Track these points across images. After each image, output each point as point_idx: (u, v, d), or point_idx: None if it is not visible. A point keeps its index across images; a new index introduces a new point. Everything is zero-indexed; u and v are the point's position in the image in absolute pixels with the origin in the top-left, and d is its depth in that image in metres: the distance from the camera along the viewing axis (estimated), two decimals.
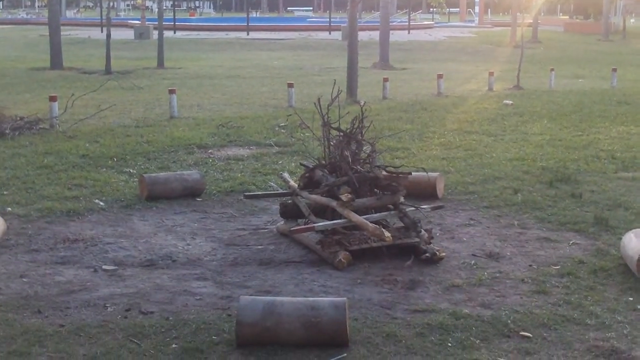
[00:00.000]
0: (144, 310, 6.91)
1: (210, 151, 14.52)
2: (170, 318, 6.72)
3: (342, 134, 8.77)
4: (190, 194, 11.02)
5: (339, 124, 8.87)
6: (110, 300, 7.16)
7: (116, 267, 8.09)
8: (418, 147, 14.94)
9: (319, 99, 8.84)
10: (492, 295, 7.33)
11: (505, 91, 24.67)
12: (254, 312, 6.09)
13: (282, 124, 17.22)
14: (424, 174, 10.54)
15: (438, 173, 11.27)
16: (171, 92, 18.71)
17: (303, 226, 8.29)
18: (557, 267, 8.10)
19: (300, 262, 8.31)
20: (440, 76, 24.24)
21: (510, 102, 21.69)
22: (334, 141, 8.84)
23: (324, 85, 26.21)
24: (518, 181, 12.02)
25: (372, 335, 6.34)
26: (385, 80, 22.86)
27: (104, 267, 8.08)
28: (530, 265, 8.18)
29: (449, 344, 6.20)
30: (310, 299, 6.29)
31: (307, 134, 15.97)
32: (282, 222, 9.36)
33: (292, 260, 8.36)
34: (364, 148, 8.90)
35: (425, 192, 10.59)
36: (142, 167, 13.04)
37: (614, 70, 27.12)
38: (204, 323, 6.59)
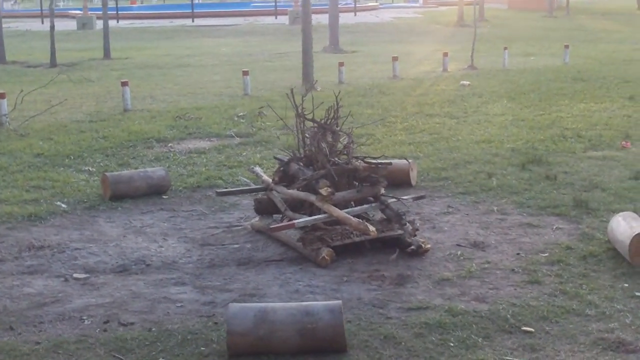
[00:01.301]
0: (124, 321, 6.52)
1: (170, 145, 14.06)
2: (153, 329, 6.34)
3: (317, 125, 8.42)
4: (155, 191, 10.60)
5: (313, 114, 8.52)
6: (86, 312, 6.75)
7: (88, 275, 7.67)
8: (382, 132, 14.66)
9: (292, 90, 8.46)
10: (485, 287, 7.08)
11: (460, 72, 24.52)
12: (245, 321, 5.75)
13: (241, 114, 16.83)
14: (396, 161, 10.28)
15: (411, 160, 10.99)
16: (124, 84, 18.14)
17: (283, 223, 7.94)
18: (546, 255, 7.89)
19: (281, 261, 7.97)
20: (395, 59, 23.98)
21: (467, 82, 21.53)
22: (309, 133, 8.49)
23: (276, 72, 25.83)
24: (490, 164, 11.81)
25: (369, 339, 6.04)
26: (341, 64, 22.52)
27: (74, 275, 7.65)
28: (517, 254, 7.96)
29: (451, 344, 5.93)
30: (304, 303, 5.96)
31: (268, 123, 15.63)
32: (257, 219, 9.01)
33: (272, 259, 8.03)
34: (341, 139, 8.57)
35: (398, 180, 10.29)
36: (102, 164, 12.56)
37: (566, 47, 27.14)
38: (189, 333, 6.23)
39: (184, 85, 22.66)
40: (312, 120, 8.39)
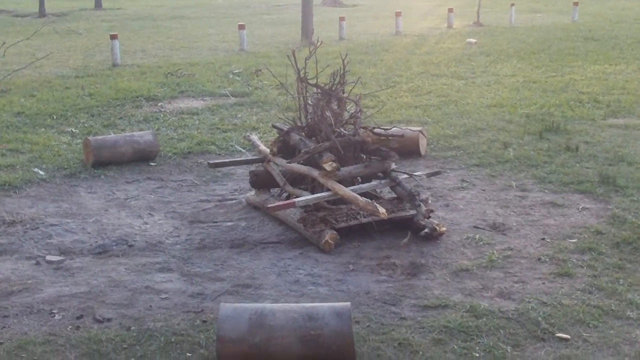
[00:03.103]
0: (100, 317, 5.69)
1: (160, 104, 13.18)
2: (133, 328, 5.51)
3: (320, 91, 7.53)
4: (142, 157, 9.75)
5: (317, 78, 7.62)
6: (58, 304, 5.91)
7: (62, 258, 6.83)
8: (386, 94, 13.77)
9: (293, 52, 7.54)
10: (510, 281, 6.25)
11: (466, 28, 23.59)
12: (239, 325, 4.92)
13: (236, 70, 15.91)
14: (406, 128, 9.45)
15: (420, 128, 10.12)
16: (113, 37, 17.21)
17: (282, 202, 7.08)
18: (574, 241, 7.05)
19: (279, 243, 7.14)
20: (398, 14, 22.98)
21: (474, 40, 20.60)
22: (312, 100, 7.60)
23: (274, 26, 24.88)
24: (504, 132, 10.96)
25: (381, 345, 5.22)
26: (342, 19, 21.53)
27: (47, 257, 6.81)
28: (542, 239, 7.12)
29: (476, 354, 5.11)
30: (307, 305, 5.11)
31: (265, 82, 14.72)
32: (252, 193, 8.17)
33: (269, 241, 7.19)
34: (348, 107, 7.69)
35: (406, 150, 9.40)
36: (86, 125, 11.69)
37: (576, 4, 26.13)
38: (174, 334, 5.40)
39: (176, 38, 21.71)
40: (316, 85, 7.50)
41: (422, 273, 6.43)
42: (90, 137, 9.69)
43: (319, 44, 7.28)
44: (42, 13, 27.03)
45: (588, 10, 28.97)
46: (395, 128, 7.49)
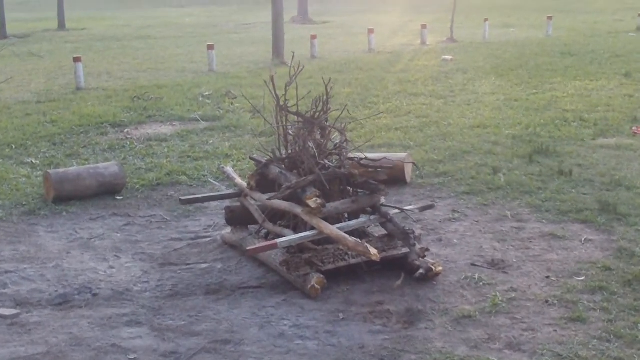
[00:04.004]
0: None
1: (127, 130, 12.49)
2: None
3: (302, 119, 6.89)
4: (107, 191, 9.06)
5: (297, 106, 6.97)
6: None
7: (18, 311, 6.10)
8: (364, 115, 13.16)
9: (271, 77, 6.89)
10: (518, 328, 5.63)
11: (440, 45, 23.16)
12: None
13: (206, 93, 15.25)
14: (391, 154, 8.85)
15: (406, 154, 9.52)
16: (76, 60, 16.45)
17: (262, 244, 6.41)
18: (582, 279, 6.46)
19: (260, 288, 6.47)
20: (370, 31, 22.46)
21: (450, 57, 20.13)
22: (293, 129, 6.96)
23: (243, 45, 24.24)
24: (492, 156, 10.39)
25: None
26: (313, 37, 20.97)
27: (1, 311, 6.08)
28: (547, 277, 6.52)
29: None
30: None
31: (237, 105, 14.07)
32: (228, 230, 7.50)
33: (249, 285, 6.52)
34: (332, 136, 7.06)
35: (390, 177, 8.75)
36: (47, 155, 10.97)
37: (549, 18, 25.79)
38: None
39: (143, 59, 21.02)
40: (297, 114, 6.86)
41: (420, 321, 5.80)
42: (51, 171, 8.97)
43: (300, 69, 6.64)
44: (3, 35, 26.23)
45: (561, 24, 28.66)
46: (384, 159, 6.84)
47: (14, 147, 11.34)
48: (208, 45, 19.36)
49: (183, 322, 5.85)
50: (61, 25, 29.06)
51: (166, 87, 16.29)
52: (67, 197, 8.77)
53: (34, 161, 10.57)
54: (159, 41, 25.41)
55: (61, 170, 9.11)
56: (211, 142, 11.57)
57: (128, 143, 11.54)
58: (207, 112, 13.69)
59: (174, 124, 12.96)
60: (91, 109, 13.87)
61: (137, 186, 9.38)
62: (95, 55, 21.17)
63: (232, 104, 14.11)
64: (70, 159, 10.71)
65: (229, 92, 14.90)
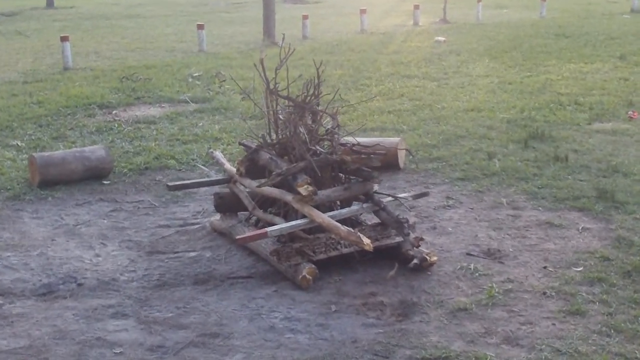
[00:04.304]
0: None
1: (114, 112, 12.26)
2: None
3: (293, 104, 6.69)
4: (94, 175, 8.86)
5: (288, 90, 6.76)
6: None
7: (0, 302, 5.91)
8: (357, 98, 12.97)
9: (261, 60, 6.67)
10: (515, 322, 5.47)
11: (433, 25, 22.92)
12: None
13: (196, 74, 15.01)
14: (384, 139, 8.68)
15: (399, 138, 9.33)
16: (64, 39, 16.17)
17: (251, 233, 6.22)
18: (580, 269, 6.30)
19: (250, 278, 6.29)
20: (363, 11, 22.19)
21: (443, 38, 19.90)
22: (284, 114, 6.76)
23: (234, 24, 23.95)
24: (486, 140, 10.22)
25: None
26: (305, 17, 20.70)
27: None
28: (544, 267, 6.36)
29: None
30: None
31: (227, 87, 13.85)
32: (218, 217, 7.31)
33: (239, 275, 6.34)
34: (324, 121, 6.86)
35: (383, 163, 8.57)
36: (33, 137, 10.75)
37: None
38: None
39: (132, 38, 20.74)
40: (288, 98, 6.65)
41: (414, 314, 5.63)
42: (36, 154, 8.75)
43: (290, 51, 6.43)
44: None
45: (554, 5, 28.42)
46: (377, 145, 6.65)
47: None
48: (198, 24, 19.08)
49: (170, 314, 5.68)
50: (49, 3, 28.69)
51: (155, 67, 16.04)
52: (52, 181, 8.57)
53: (19, 144, 10.34)
54: (148, 20, 25.09)
55: (46, 153, 8.89)
56: (200, 124, 11.36)
57: (116, 125, 11.32)
58: (196, 93, 13.47)
59: (162, 105, 12.74)
60: (78, 89, 13.63)
61: (125, 170, 9.18)
62: (83, 34, 20.87)
63: (221, 85, 13.87)
64: (57, 141, 10.49)
65: (218, 73, 14.67)
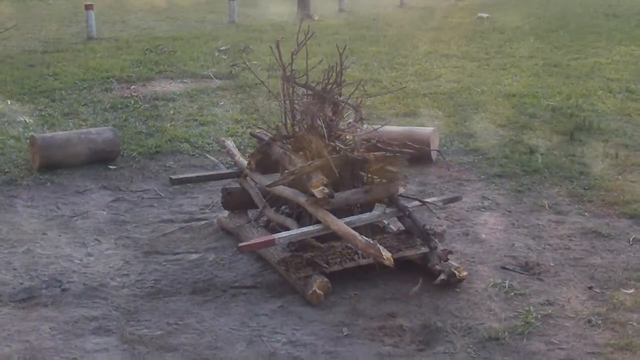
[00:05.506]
0: None
1: (133, 87, 11.61)
2: None
3: (312, 93, 5.93)
4: (100, 159, 8.19)
5: (307, 77, 5.99)
6: None
7: None
8: (390, 78, 12.19)
9: (277, 43, 5.90)
10: (555, 357, 4.70)
11: (477, 1, 21.85)
12: None
13: (223, 47, 14.28)
14: (414, 128, 7.95)
15: (432, 128, 8.54)
16: (88, 7, 15.49)
17: (256, 240, 5.49)
18: (631, 292, 5.50)
19: (254, 288, 5.58)
20: None
21: (486, 15, 18.97)
22: (301, 104, 6.00)
23: None
24: (528, 131, 9.39)
25: None
26: None
27: None
28: (590, 288, 5.57)
29: None
30: None
31: (254, 62, 13.11)
32: (226, 213, 6.61)
33: (242, 285, 5.64)
34: (345, 113, 6.10)
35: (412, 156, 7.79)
36: (43, 112, 10.14)
37: None
38: None
39: (162, 7, 19.97)
40: (306, 86, 5.90)
41: (437, 342, 4.88)
42: (37, 135, 8.10)
43: (309, 35, 5.64)
44: None
45: None
46: (405, 142, 5.86)
47: (9, 102, 10.48)
48: None
49: (159, 332, 4.98)
50: None
51: (182, 39, 15.33)
52: (54, 164, 7.93)
53: (27, 120, 9.70)
54: None
55: (49, 134, 8.25)
56: (222, 103, 10.65)
57: (132, 102, 10.65)
58: (221, 69, 12.76)
59: (184, 81, 12.05)
60: (98, 61, 12.98)
61: (134, 154, 8.51)
62: (112, 1, 20.21)
63: (245, 49, 13.12)
64: (67, 118, 9.86)
65: (246, 47, 13.91)
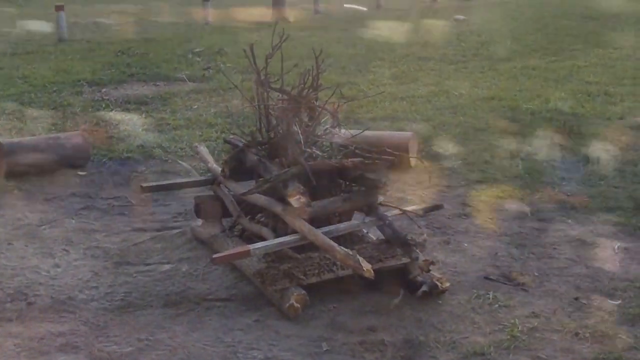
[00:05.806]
0: None
1: (104, 90, 11.34)
2: None
3: (287, 97, 5.72)
4: (69, 165, 7.93)
5: (282, 81, 5.78)
6: None
7: None
8: (367, 81, 12.02)
9: (251, 46, 5.69)
10: None
11: (453, 2, 21.81)
12: None
13: (197, 50, 14.03)
14: (393, 133, 7.77)
15: (410, 133, 8.37)
16: (58, 8, 15.19)
17: (229, 251, 5.27)
18: (618, 303, 5.34)
19: (229, 301, 5.37)
20: None
21: (462, 17, 18.85)
22: (276, 109, 5.79)
23: None
24: (508, 136, 9.27)
25: None
26: None
27: None
28: (576, 299, 5.40)
29: None
30: None
31: (228, 65, 12.89)
32: (199, 222, 6.38)
33: (216, 297, 5.42)
34: (322, 118, 5.90)
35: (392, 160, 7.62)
36: (11, 116, 9.82)
37: None
38: None
39: (136, 7, 19.69)
40: (281, 90, 5.69)
41: (420, 357, 4.69)
42: (4, 140, 7.84)
43: (284, 37, 5.44)
44: None
45: None
46: (384, 149, 5.67)
47: None
48: None
49: (129, 348, 4.75)
50: None
51: (155, 40, 15.08)
52: (21, 171, 7.67)
53: None
54: None
55: (16, 140, 7.98)
56: (195, 106, 10.42)
57: (103, 106, 10.39)
58: (195, 71, 12.53)
59: (157, 83, 11.80)
60: (69, 64, 12.71)
61: (105, 159, 8.27)
62: (84, 1, 19.91)
63: (220, 51, 12.92)
64: (36, 122, 9.57)
65: (221, 49, 13.69)
